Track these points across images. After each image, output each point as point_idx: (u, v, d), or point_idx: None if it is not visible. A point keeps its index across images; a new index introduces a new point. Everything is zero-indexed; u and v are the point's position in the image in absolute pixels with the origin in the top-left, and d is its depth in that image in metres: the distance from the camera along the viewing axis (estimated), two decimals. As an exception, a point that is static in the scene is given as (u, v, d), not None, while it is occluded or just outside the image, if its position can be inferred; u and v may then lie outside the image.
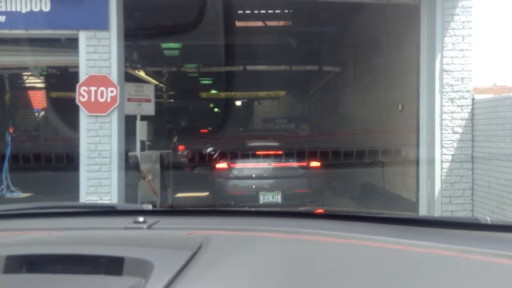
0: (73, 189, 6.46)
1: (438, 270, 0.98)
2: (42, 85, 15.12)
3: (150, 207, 1.64)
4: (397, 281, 0.93)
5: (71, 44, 6.81)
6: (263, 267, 1.00)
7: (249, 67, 12.79)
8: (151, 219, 1.37)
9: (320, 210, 1.66)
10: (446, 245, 1.10)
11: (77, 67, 6.67)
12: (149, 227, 1.32)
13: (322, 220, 1.51)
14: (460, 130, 6.55)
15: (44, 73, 13.14)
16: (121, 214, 1.64)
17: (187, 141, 15.74)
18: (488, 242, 1.18)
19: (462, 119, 6.55)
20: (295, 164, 8.28)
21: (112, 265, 1.00)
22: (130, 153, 7.88)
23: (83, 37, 6.48)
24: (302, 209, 1.68)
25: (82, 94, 6.42)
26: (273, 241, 1.20)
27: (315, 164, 8.22)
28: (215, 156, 9.19)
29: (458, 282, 0.92)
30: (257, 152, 8.69)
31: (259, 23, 11.85)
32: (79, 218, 1.61)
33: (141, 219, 1.35)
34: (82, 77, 6.47)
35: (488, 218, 1.32)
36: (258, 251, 1.11)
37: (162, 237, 1.26)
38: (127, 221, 1.36)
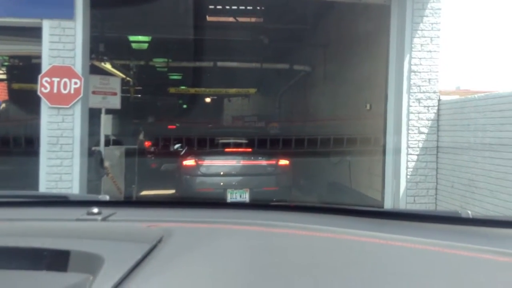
0: (33, 184, 6.20)
1: (420, 265, 0.93)
2: (3, 76, 14.57)
3: (106, 197, 1.53)
4: (377, 276, 0.88)
5: (34, 33, 6.55)
6: (229, 262, 0.92)
7: (219, 63, 12.68)
8: (107, 211, 1.26)
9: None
10: (427, 239, 1.05)
11: (40, 57, 6.42)
12: (104, 219, 1.21)
13: (292, 213, 1.43)
14: (426, 130, 6.65)
15: (5, 63, 12.65)
16: (75, 205, 1.52)
17: (154, 137, 15.47)
18: (470, 236, 1.15)
19: (428, 120, 6.65)
20: (263, 161, 8.25)
21: (56, 260, 0.89)
22: (93, 148, 7.65)
23: (46, 26, 6.25)
24: (270, 201, 1.60)
25: (44, 85, 6.17)
26: (240, 234, 1.12)
27: (283, 162, 8.21)
28: (182, 153, 9.05)
29: (441, 277, 0.87)
30: (226, 149, 8.62)
31: (231, 19, 11.75)
32: (27, 208, 1.47)
33: (95, 210, 1.24)
34: (45, 67, 6.24)
35: (469, 212, 1.29)
36: (224, 245, 1.03)
37: (117, 229, 1.15)
38: (80, 212, 1.25)
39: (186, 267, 0.88)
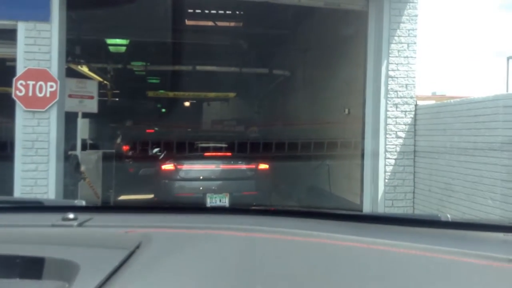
0: (7, 189, 6.05)
1: (401, 268, 0.94)
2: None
3: (83, 203, 1.49)
4: (358, 280, 0.87)
5: (9, 35, 6.41)
6: (210, 268, 0.90)
7: (198, 67, 12.63)
8: (83, 216, 1.23)
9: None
10: (408, 243, 1.05)
11: (14, 60, 6.29)
12: (80, 225, 1.18)
13: (273, 217, 1.42)
14: (403, 135, 6.75)
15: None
16: (50, 211, 1.47)
17: (132, 141, 15.28)
18: (450, 240, 1.15)
19: (405, 124, 6.75)
20: (243, 166, 8.23)
21: (30, 267, 0.86)
22: (70, 152, 7.51)
23: (22, 28, 6.13)
24: (251, 205, 1.59)
25: (19, 88, 6.05)
26: (220, 239, 1.10)
27: (263, 166, 8.21)
28: (161, 157, 8.97)
29: (422, 280, 0.87)
30: (205, 154, 8.57)
31: (210, 23, 11.72)
32: (1, 214, 1.42)
33: (71, 215, 1.21)
34: (20, 70, 6.11)
35: (449, 216, 1.30)
36: (204, 250, 1.01)
37: (94, 235, 1.12)
38: (55, 218, 1.21)
39: (165, 273, 0.86)
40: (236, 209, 1.51)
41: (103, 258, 0.90)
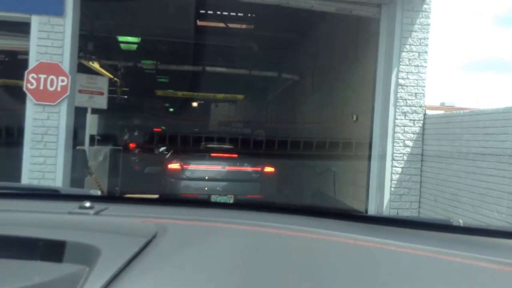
0: (13, 181, 6.09)
1: (413, 269, 0.94)
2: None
3: (98, 192, 1.52)
4: (369, 279, 0.88)
5: (22, 28, 6.47)
6: (223, 259, 0.92)
7: (208, 68, 12.67)
8: (99, 205, 1.25)
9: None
10: (419, 245, 1.05)
11: (27, 53, 6.34)
12: (96, 213, 1.20)
13: (282, 214, 1.43)
14: (411, 143, 6.72)
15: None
16: (66, 199, 1.49)
17: (140, 139, 15.36)
18: (461, 244, 1.15)
19: (413, 133, 6.73)
20: (249, 168, 8.23)
21: (51, 250, 0.88)
22: (78, 147, 7.56)
23: (35, 21, 6.17)
24: (262, 201, 1.60)
25: (30, 81, 6.09)
26: (233, 232, 1.12)
27: (269, 169, 8.21)
28: (167, 156, 8.99)
29: (435, 283, 0.88)
30: (212, 154, 8.58)
31: (221, 25, 11.76)
32: (17, 200, 1.44)
33: (87, 204, 1.23)
34: (32, 63, 6.16)
35: (461, 221, 1.30)
36: (218, 242, 1.03)
37: (111, 223, 1.14)
38: (71, 206, 1.23)
39: (182, 263, 0.88)
40: (244, 205, 1.52)
41: (122, 244, 0.91)
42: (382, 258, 1.00)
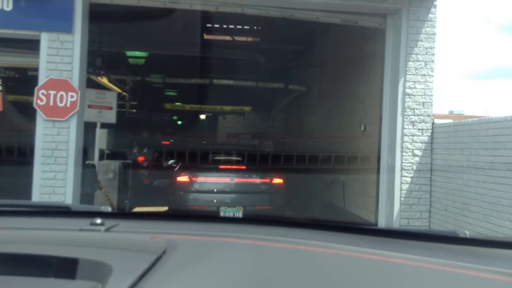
0: (24, 197, 6.14)
1: (420, 282, 0.94)
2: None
3: (108, 209, 1.54)
4: None
5: (32, 45, 6.57)
6: (233, 274, 0.93)
7: (215, 81, 12.76)
8: (109, 222, 1.27)
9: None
10: (425, 257, 1.06)
11: (37, 69, 6.44)
12: (107, 230, 1.22)
13: (291, 229, 1.43)
14: (419, 153, 6.70)
15: (1, 75, 12.64)
16: (77, 216, 1.52)
17: (148, 153, 15.43)
18: (468, 256, 1.15)
19: (422, 142, 6.70)
20: (257, 180, 8.23)
21: (64, 267, 0.90)
22: (87, 162, 7.62)
23: (45, 38, 6.28)
24: (271, 215, 1.60)
25: (40, 98, 6.18)
26: (243, 247, 1.13)
27: (277, 181, 8.20)
28: (176, 169, 9.02)
29: None
30: (220, 166, 8.60)
31: (228, 38, 11.86)
32: (29, 218, 1.47)
33: (98, 221, 1.25)
34: (42, 80, 6.25)
35: (467, 232, 1.30)
36: (227, 258, 1.04)
37: (122, 240, 1.16)
38: (83, 223, 1.26)
39: (191, 278, 0.89)
40: (252, 219, 1.53)
41: (133, 260, 0.93)
42: (391, 272, 1.00)
